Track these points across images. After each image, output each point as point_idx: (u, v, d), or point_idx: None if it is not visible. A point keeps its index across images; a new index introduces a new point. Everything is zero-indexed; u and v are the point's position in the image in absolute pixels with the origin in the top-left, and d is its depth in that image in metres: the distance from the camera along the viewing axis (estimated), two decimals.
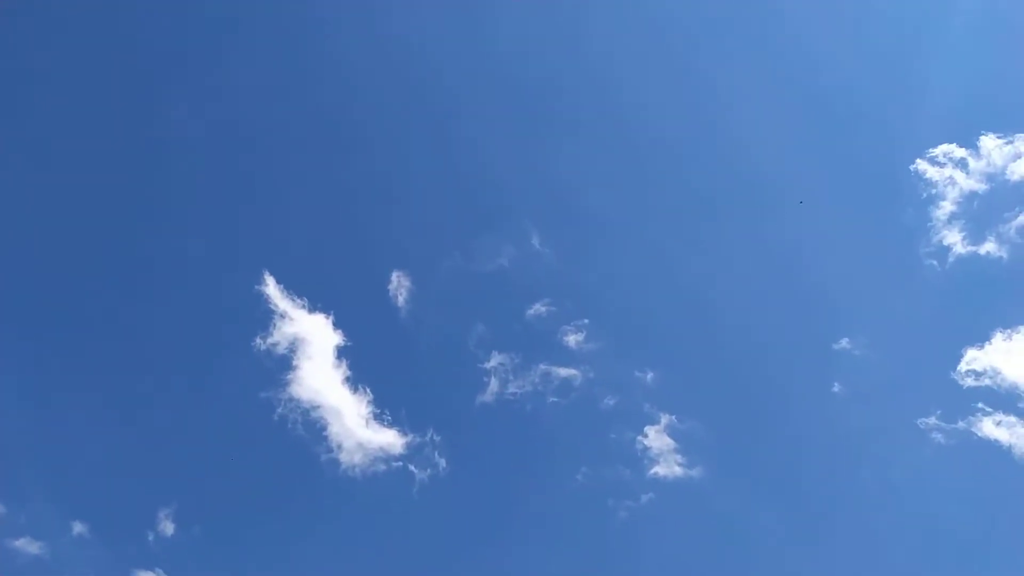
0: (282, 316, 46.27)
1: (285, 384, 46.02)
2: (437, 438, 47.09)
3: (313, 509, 48.25)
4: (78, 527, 42.14)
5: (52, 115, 50.70)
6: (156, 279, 50.75)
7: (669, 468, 44.69)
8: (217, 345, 49.22)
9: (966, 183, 46.52)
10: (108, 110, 52.42)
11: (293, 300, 46.77)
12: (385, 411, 46.29)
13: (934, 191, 47.16)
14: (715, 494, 46.08)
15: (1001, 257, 44.91)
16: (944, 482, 44.41)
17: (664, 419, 45.93)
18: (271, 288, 46.61)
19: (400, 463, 46.82)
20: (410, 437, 46.93)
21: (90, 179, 51.06)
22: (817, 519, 45.76)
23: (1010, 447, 41.45)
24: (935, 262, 46.67)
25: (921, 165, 47.34)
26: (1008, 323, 42.61)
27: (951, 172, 46.71)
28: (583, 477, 48.25)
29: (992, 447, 42.10)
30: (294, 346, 45.85)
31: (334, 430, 45.32)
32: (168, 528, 43.37)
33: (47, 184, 50.17)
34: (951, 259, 46.08)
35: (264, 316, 46.80)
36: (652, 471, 45.15)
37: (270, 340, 45.88)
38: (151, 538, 44.35)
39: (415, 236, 53.02)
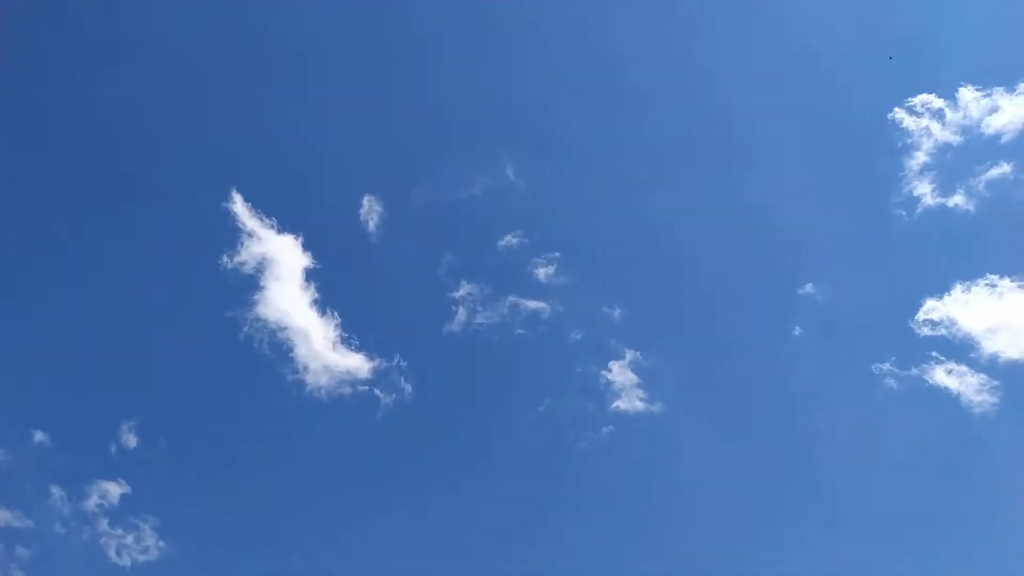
0: (250, 235, 45.68)
1: (252, 304, 45.78)
2: (403, 364, 47.47)
3: (278, 428, 48.69)
4: (39, 435, 42.21)
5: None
6: (120, 193, 49.81)
7: (631, 403, 45.69)
8: (183, 261, 48.69)
9: (941, 134, 46.75)
10: (72, 17, 50.59)
11: (261, 220, 46.12)
12: (352, 335, 46.40)
13: (909, 141, 47.35)
14: (674, 429, 47.36)
15: (968, 210, 45.56)
16: (893, 426, 46.00)
17: (629, 355, 46.70)
18: (238, 206, 45.87)
19: (366, 387, 47.24)
20: (377, 362, 47.23)
21: (55, 93, 49.58)
22: (770, 457, 47.36)
23: (959, 395, 42.89)
24: (903, 212, 47.25)
25: (899, 114, 47.35)
26: (968, 276, 43.55)
27: (927, 123, 46.84)
28: (545, 408, 49.19)
29: (942, 394, 43.55)
30: (262, 266, 45.45)
31: (301, 352, 45.40)
32: (131, 440, 43.54)
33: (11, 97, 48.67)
34: (919, 210, 46.67)
35: (231, 234, 46.19)
36: (614, 405, 46.15)
37: (237, 259, 45.41)
38: (113, 450, 44.58)
39: (388, 161, 52.23)
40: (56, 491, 41.63)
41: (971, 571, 42.46)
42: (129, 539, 47.17)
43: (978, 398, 42.13)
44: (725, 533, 45.28)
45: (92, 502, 46.02)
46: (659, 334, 49.66)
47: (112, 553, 46.27)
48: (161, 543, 46.72)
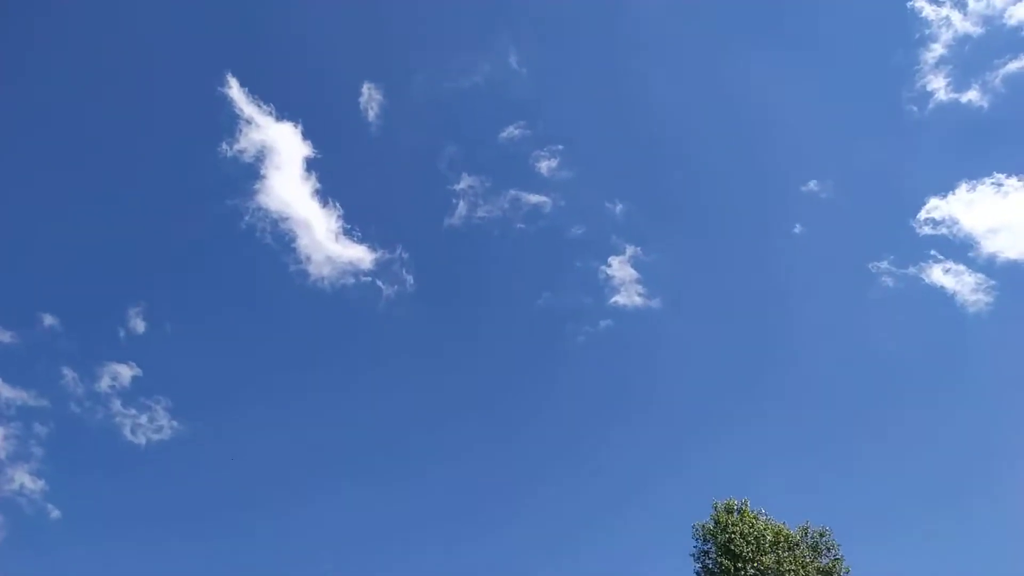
0: (248, 122, 44.95)
1: (252, 193, 45.70)
2: (405, 256, 47.94)
3: (282, 316, 49.80)
4: (48, 319, 43.32)
5: None
6: (116, 75, 48.99)
7: (629, 298, 46.31)
8: (182, 148, 48.28)
9: (961, 25, 44.69)
10: None
11: (259, 106, 45.17)
12: (355, 227, 46.59)
13: (927, 31, 45.40)
14: (671, 324, 48.17)
15: (982, 107, 44.18)
16: (886, 324, 46.60)
17: (629, 250, 46.93)
18: (235, 91, 44.91)
19: (368, 278, 47.95)
20: (379, 254, 47.70)
21: None
22: (765, 353, 48.34)
23: (954, 294, 43.12)
24: (915, 108, 45.89)
25: (918, 2, 45.21)
26: (974, 174, 42.77)
27: (948, 12, 44.68)
28: (544, 302, 49.99)
29: (937, 294, 43.80)
30: (261, 155, 45.00)
31: (303, 242, 45.80)
32: (139, 325, 44.75)
33: None
34: (931, 106, 45.26)
35: (229, 121, 45.52)
36: (612, 300, 46.81)
37: (236, 147, 44.94)
38: (122, 334, 45.89)
39: (387, 47, 50.82)
40: (68, 372, 43.08)
41: (958, 464, 44.09)
42: (143, 419, 49.38)
43: (973, 297, 42.39)
44: (719, 426, 46.87)
45: (104, 383, 47.81)
46: (660, 230, 49.69)
47: (127, 432, 48.51)
48: (174, 423, 48.95)
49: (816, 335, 47.22)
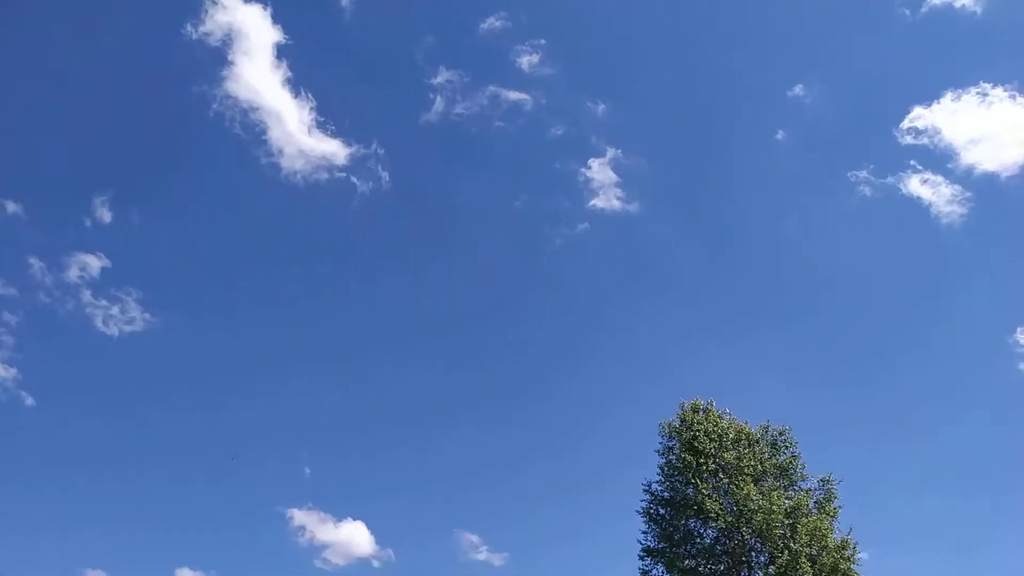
0: (214, 2, 42.56)
1: (220, 80, 43.58)
2: (381, 152, 46.71)
3: (253, 210, 48.81)
4: (11, 206, 42.08)
5: None
6: None
7: (608, 201, 45.87)
8: (142, 28, 45.71)
9: None
10: None
11: None
12: (328, 120, 45.04)
13: None
14: (649, 228, 48.13)
15: (975, 12, 42.91)
16: (861, 233, 46.95)
17: (610, 153, 46.13)
18: None
19: (343, 174, 46.81)
20: (353, 148, 46.34)
21: None
22: (742, 260, 48.75)
23: (929, 205, 43.25)
24: (907, 11, 44.48)
25: None
26: (960, 83, 41.97)
27: None
28: (522, 204, 49.43)
29: (913, 204, 43.93)
30: (229, 38, 42.59)
31: (274, 134, 44.26)
32: (105, 215, 43.66)
33: None
34: (924, 9, 43.88)
35: (193, 0, 43.21)
36: (591, 203, 46.34)
37: (202, 29, 42.53)
38: (88, 223, 44.80)
39: None
40: (35, 262, 42.25)
41: (927, 368, 45.50)
42: (114, 310, 48.92)
43: (947, 209, 42.55)
44: (694, 331, 47.71)
45: (72, 274, 47.00)
46: (641, 133, 48.77)
47: (99, 323, 48.08)
48: (146, 315, 48.62)
49: (792, 245, 47.54)
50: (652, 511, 19.23)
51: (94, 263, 42.97)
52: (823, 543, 17.20)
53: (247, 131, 44.47)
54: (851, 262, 47.12)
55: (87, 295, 42.45)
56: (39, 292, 42.59)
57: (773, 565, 17.15)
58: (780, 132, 46.85)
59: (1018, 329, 40.97)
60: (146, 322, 42.73)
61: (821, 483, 18.88)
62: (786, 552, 16.88)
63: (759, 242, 49.03)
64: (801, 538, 17.01)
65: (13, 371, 43.36)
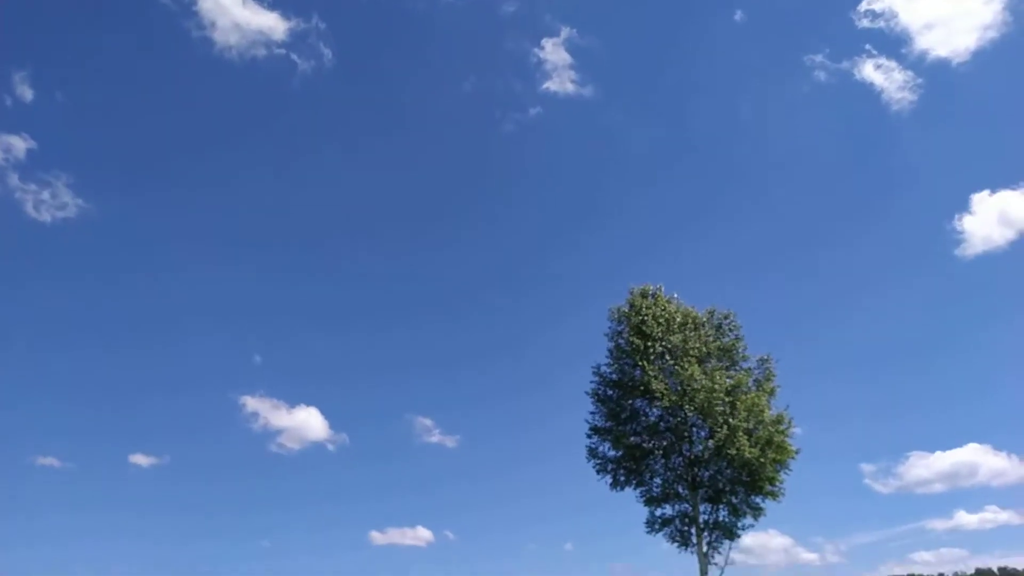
0: None
1: None
2: (322, 26, 43.91)
3: (185, 89, 46.02)
4: None
5: None
6: None
7: (562, 84, 44.54)
8: None
9: None
10: None
11: None
12: None
13: None
14: (604, 114, 47.16)
15: None
16: (814, 118, 46.96)
17: (564, 32, 44.39)
18: None
19: (282, 51, 44.06)
20: (293, 22, 43.55)
21: None
22: (696, 145, 48.51)
23: (882, 91, 43.34)
24: None
25: None
26: None
27: None
28: (471, 86, 47.60)
29: (865, 89, 43.94)
30: None
31: (206, 6, 41.13)
32: (27, 93, 40.63)
33: None
34: None
35: None
36: (544, 86, 44.88)
37: None
38: (9, 102, 41.68)
39: None
40: None
41: (868, 252, 47.00)
42: (45, 195, 46.34)
43: (899, 96, 42.82)
44: (647, 219, 47.91)
45: None
46: (597, 11, 46.91)
47: (30, 208, 45.56)
48: (78, 200, 46.10)
49: (747, 129, 47.41)
50: (600, 392, 19.89)
51: (19, 144, 40.48)
52: (760, 418, 18.10)
53: (175, 1, 41.10)
54: (803, 148, 47.48)
55: (14, 179, 40.07)
56: None
57: (712, 439, 18.08)
58: (739, 13, 45.68)
59: (956, 216, 42.35)
60: (79, 208, 40.79)
61: (760, 363, 19.68)
62: (725, 427, 17.73)
63: (715, 128, 48.76)
64: (740, 414, 17.84)
65: None
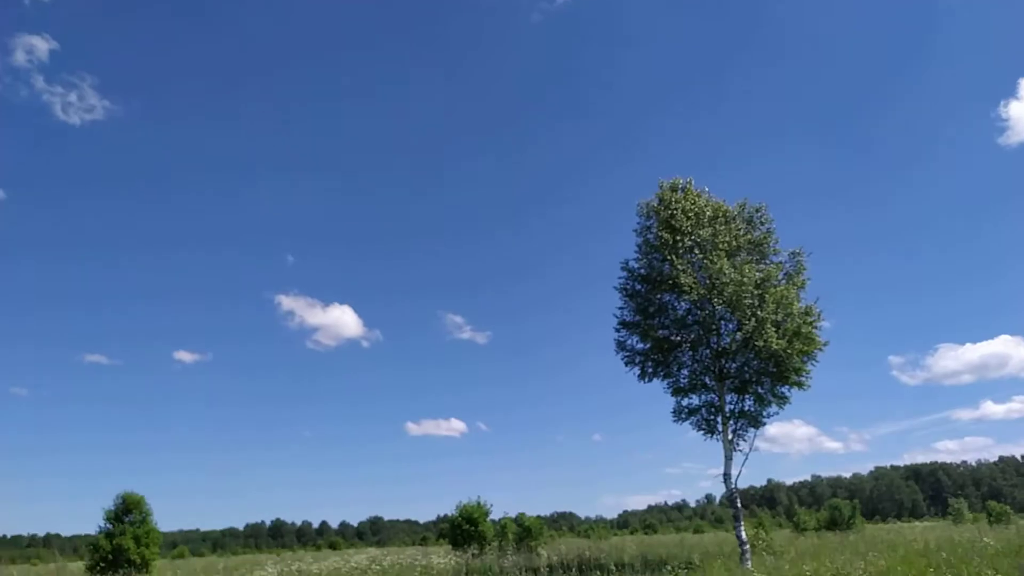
0: None
1: None
2: None
3: None
4: None
5: None
6: None
7: None
8: None
9: None
10: None
11: None
12: None
13: None
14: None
15: None
16: None
17: None
18: None
19: None
20: None
21: None
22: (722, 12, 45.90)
23: None
24: None
25: None
26: None
27: None
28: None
29: None
30: None
31: None
32: None
33: None
34: None
35: None
36: None
37: None
38: (27, 1, 40.44)
39: None
40: None
41: (906, 133, 45.35)
42: (72, 97, 45.61)
43: None
44: (674, 95, 46.25)
45: (20, 57, 43.31)
46: None
47: (58, 111, 44.93)
48: (105, 102, 45.67)
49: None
50: (629, 287, 20.03)
51: (41, 45, 39.78)
52: (788, 310, 18.15)
53: None
54: (847, 19, 44.88)
55: (40, 81, 39.50)
56: None
57: (740, 331, 18.24)
58: None
59: (1002, 103, 40.41)
60: (106, 110, 40.37)
61: (791, 256, 19.56)
62: (753, 319, 17.83)
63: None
64: (768, 306, 17.89)
65: None
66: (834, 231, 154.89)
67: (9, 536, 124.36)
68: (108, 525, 23.33)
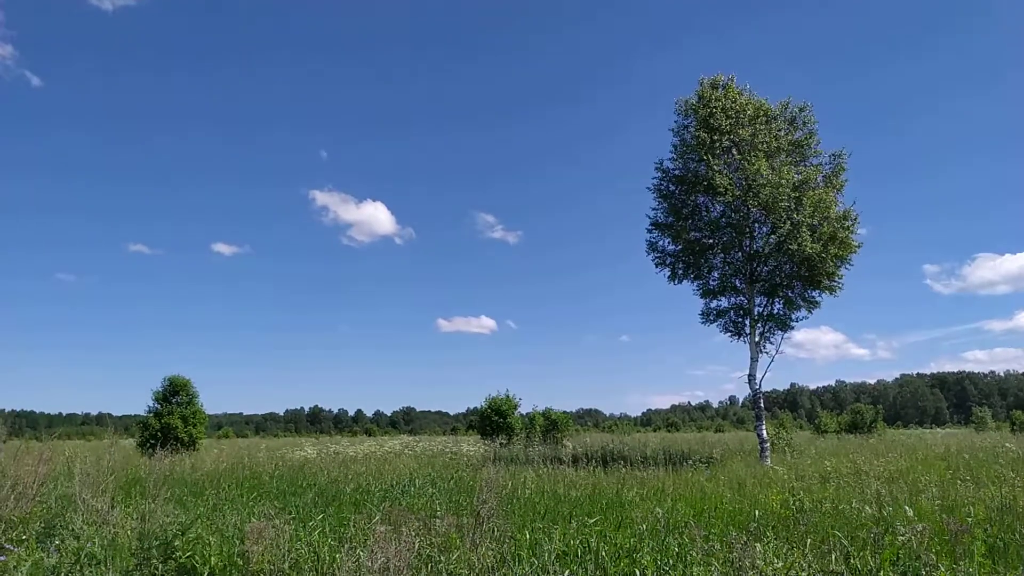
0: None
1: None
2: None
3: None
4: None
5: None
6: None
7: None
8: None
9: None
10: None
11: None
12: None
13: None
14: None
15: None
16: None
17: None
18: None
19: None
20: None
21: None
22: None
23: None
24: None
25: None
26: None
27: None
28: None
29: None
30: None
31: None
32: None
33: None
34: None
35: None
36: None
37: None
38: None
39: None
40: None
41: (956, 51, 42.54)
42: None
43: None
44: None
45: None
46: None
47: None
48: None
49: None
50: (663, 188, 19.74)
51: None
52: (825, 214, 17.84)
53: None
54: None
55: None
56: None
57: (774, 234, 18.03)
58: None
59: None
60: None
61: (832, 157, 19.02)
62: (788, 223, 17.59)
63: None
64: (805, 209, 17.59)
65: (10, 48, 41.17)
66: (878, 141, 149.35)
67: (65, 414, 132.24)
68: (157, 405, 24.63)
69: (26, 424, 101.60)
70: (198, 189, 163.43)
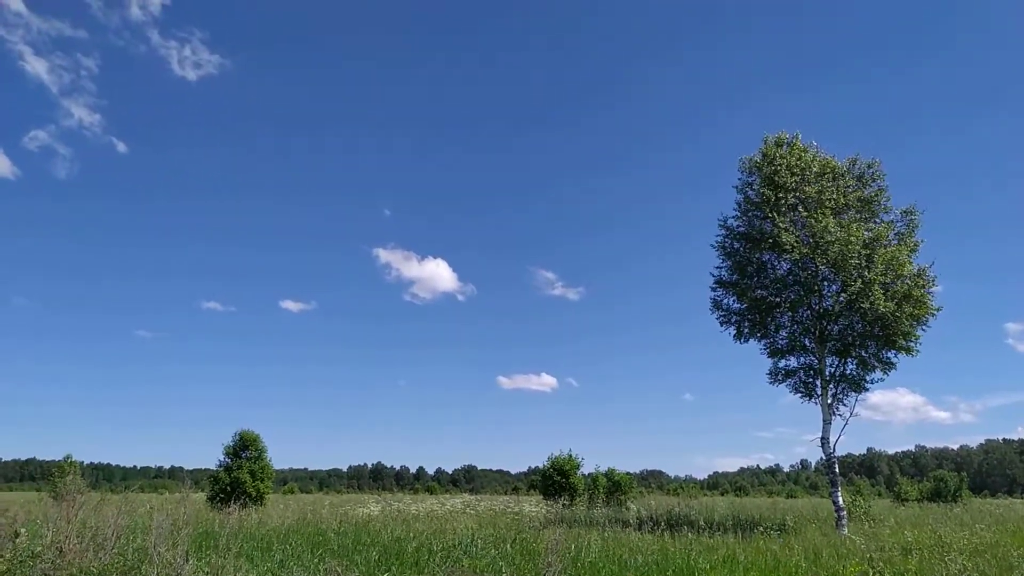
0: None
1: None
2: None
3: None
4: None
5: None
6: None
7: None
8: None
9: None
10: None
11: None
12: None
13: None
14: None
15: None
16: None
17: None
18: None
19: None
20: None
21: None
22: None
23: None
24: None
25: None
26: None
27: None
28: None
29: None
30: None
31: None
32: None
33: None
34: None
35: None
36: None
37: None
38: None
39: None
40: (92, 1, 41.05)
41: None
42: (187, 51, 48.06)
43: None
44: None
45: (134, 12, 45.67)
46: None
47: (175, 66, 47.46)
48: (215, 56, 47.79)
49: None
50: (727, 245, 19.52)
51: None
52: (899, 272, 17.28)
53: None
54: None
55: (155, 35, 41.65)
56: (108, 34, 41.98)
57: (844, 292, 17.53)
58: None
59: None
60: (216, 66, 42.20)
61: (904, 215, 18.51)
62: (859, 280, 17.10)
63: None
64: (876, 267, 17.11)
65: (98, 117, 44.47)
66: (953, 197, 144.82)
67: (139, 467, 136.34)
68: (227, 459, 25.24)
69: (102, 476, 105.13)
70: (267, 248, 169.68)
